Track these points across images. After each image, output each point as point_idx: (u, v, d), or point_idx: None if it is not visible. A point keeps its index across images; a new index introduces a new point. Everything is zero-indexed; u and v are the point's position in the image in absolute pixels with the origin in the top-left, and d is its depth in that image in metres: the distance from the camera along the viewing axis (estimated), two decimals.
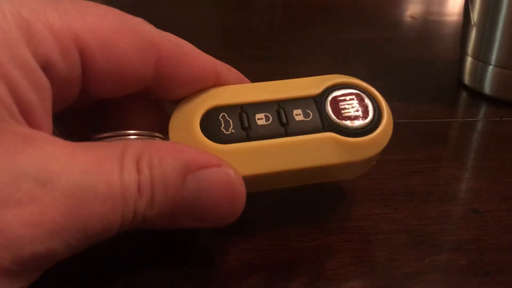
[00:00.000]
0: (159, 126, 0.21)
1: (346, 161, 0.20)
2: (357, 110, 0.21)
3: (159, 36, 0.19)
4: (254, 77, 0.22)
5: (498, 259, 0.20)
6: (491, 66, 0.35)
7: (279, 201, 0.24)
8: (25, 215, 0.14)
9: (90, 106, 0.21)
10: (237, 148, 0.19)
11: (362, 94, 0.21)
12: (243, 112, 0.20)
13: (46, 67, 0.16)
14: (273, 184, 0.21)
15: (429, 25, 0.58)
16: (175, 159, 0.17)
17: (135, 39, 0.18)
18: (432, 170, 0.27)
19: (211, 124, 0.20)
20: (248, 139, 0.20)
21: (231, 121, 0.20)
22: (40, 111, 0.16)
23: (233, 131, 0.20)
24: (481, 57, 0.36)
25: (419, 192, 0.25)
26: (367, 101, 0.21)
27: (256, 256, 0.20)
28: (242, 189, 0.18)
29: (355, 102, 0.21)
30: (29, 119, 0.15)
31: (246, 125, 0.20)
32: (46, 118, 0.16)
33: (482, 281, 0.19)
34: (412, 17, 0.60)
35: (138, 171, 0.16)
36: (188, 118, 0.20)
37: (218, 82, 0.21)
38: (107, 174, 0.15)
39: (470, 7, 0.36)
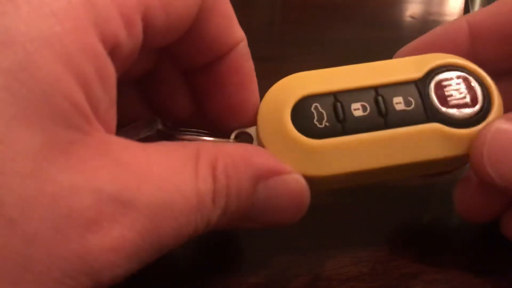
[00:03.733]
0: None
1: (453, 155, 0.18)
2: (465, 97, 0.19)
3: None
4: None
5: (498, 259, 0.20)
6: None
7: None
8: (107, 241, 0.13)
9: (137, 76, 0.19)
10: (333, 143, 0.18)
11: (470, 77, 0.19)
12: (337, 102, 0.18)
13: (112, 50, 0.14)
14: (366, 180, 0.19)
15: (429, 25, 0.58)
16: (247, 166, 0.16)
17: None
18: None
19: (303, 116, 0.18)
20: (344, 132, 0.18)
21: (324, 113, 0.18)
22: (106, 103, 0.15)
23: (327, 124, 0.18)
24: None
25: (419, 192, 0.25)
26: (475, 85, 0.19)
27: (256, 256, 0.20)
28: (308, 195, 0.18)
29: (462, 87, 0.19)
30: (97, 115, 0.14)
31: (342, 117, 0.18)
32: (111, 110, 0.15)
33: (482, 281, 0.19)
34: (412, 17, 0.60)
35: (214, 180, 0.15)
36: (278, 110, 0.18)
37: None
38: (182, 185, 0.15)
39: (470, 7, 0.36)
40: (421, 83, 0.19)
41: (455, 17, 0.59)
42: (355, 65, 0.19)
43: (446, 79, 0.19)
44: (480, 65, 0.20)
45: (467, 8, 0.36)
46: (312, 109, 0.18)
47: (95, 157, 0.13)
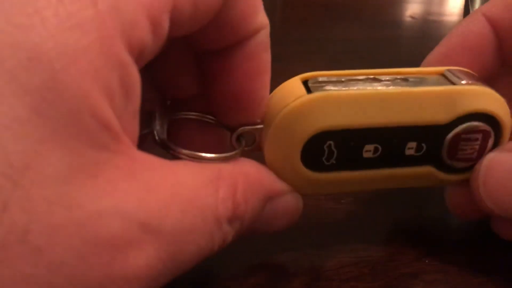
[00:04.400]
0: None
1: (435, 185, 0.20)
2: (473, 153, 0.18)
3: None
4: None
5: (498, 259, 0.20)
6: None
7: None
8: (131, 269, 0.13)
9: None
10: (335, 176, 0.18)
11: (491, 132, 0.18)
12: (351, 142, 0.17)
13: (138, 57, 0.14)
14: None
15: (429, 25, 0.58)
16: (261, 188, 0.17)
17: None
18: None
19: (313, 152, 0.17)
20: (349, 169, 0.18)
21: (335, 152, 0.18)
22: (129, 114, 0.14)
23: (335, 162, 0.18)
24: None
25: (419, 192, 0.25)
26: (490, 141, 0.18)
27: (256, 256, 0.20)
28: (302, 206, 0.19)
29: (477, 143, 0.18)
30: (121, 126, 0.14)
31: (352, 157, 0.18)
32: (135, 119, 0.14)
33: (482, 281, 0.19)
34: (412, 17, 0.60)
35: (234, 205, 0.16)
36: (289, 139, 0.17)
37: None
38: (205, 209, 0.15)
39: (470, 7, 0.36)
40: (443, 130, 0.18)
41: (455, 17, 0.59)
42: (384, 89, 0.18)
43: (468, 131, 0.18)
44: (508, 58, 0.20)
45: (467, 8, 0.36)
46: (325, 146, 0.17)
47: (123, 179, 0.13)
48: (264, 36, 0.18)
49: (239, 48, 0.18)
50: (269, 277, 0.19)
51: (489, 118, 0.18)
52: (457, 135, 0.18)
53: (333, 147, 0.17)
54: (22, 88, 0.12)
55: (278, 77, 0.22)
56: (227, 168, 0.16)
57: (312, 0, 0.65)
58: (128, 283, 0.13)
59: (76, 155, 0.12)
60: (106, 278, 0.13)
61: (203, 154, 0.17)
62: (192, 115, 0.19)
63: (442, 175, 0.19)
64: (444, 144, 0.18)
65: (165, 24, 0.14)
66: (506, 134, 0.19)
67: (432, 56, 0.23)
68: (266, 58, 0.18)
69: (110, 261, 0.13)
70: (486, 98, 0.18)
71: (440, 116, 0.18)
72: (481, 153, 0.19)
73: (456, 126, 0.18)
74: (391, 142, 0.18)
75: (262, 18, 0.18)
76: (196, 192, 0.15)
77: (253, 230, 0.18)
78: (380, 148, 0.18)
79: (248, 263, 0.20)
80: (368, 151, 0.18)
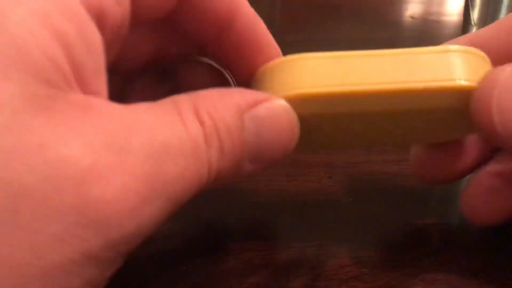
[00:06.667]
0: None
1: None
2: None
3: None
4: None
5: (498, 259, 0.20)
6: None
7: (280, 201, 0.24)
8: (109, 191, 0.12)
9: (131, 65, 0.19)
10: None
11: None
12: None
13: (99, 17, 0.14)
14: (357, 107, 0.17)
15: (429, 25, 0.58)
16: (227, 103, 0.16)
17: None
18: None
19: None
20: None
21: None
22: (91, 70, 0.14)
23: None
24: None
25: (419, 192, 0.25)
26: None
27: (257, 256, 0.20)
28: (295, 118, 0.17)
29: None
30: (81, 83, 0.13)
31: None
32: (98, 79, 0.14)
33: (482, 281, 0.19)
34: (412, 17, 0.60)
35: (201, 122, 0.15)
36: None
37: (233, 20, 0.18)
38: (173, 129, 0.14)
39: (470, 7, 0.36)
40: None
41: (455, 17, 0.59)
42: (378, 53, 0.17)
43: None
44: None
45: (467, 8, 0.36)
46: None
47: (78, 111, 0.13)
48: (246, 12, 0.18)
49: (232, 29, 0.18)
50: (269, 277, 0.19)
51: None
52: None
53: None
54: None
55: None
56: (182, 96, 0.16)
57: (312, 1, 0.64)
58: (107, 205, 0.12)
59: (27, 87, 0.12)
60: (81, 201, 0.12)
61: None
62: (205, 60, 0.19)
63: None
64: None
65: None
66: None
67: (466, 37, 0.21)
68: (260, 28, 0.18)
69: (80, 183, 0.12)
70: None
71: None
72: None
73: None
74: None
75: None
76: (159, 120, 0.14)
77: (248, 155, 0.16)
78: None
79: (248, 263, 0.20)
80: None
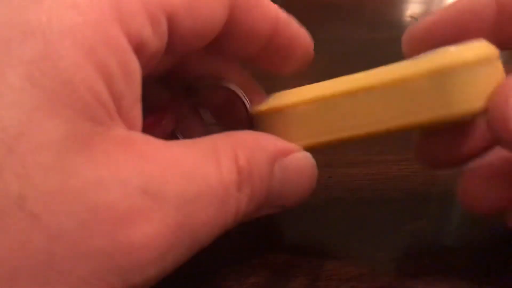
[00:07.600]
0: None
1: None
2: None
3: None
4: (255, 78, 0.22)
5: (498, 260, 0.20)
6: None
7: None
8: (137, 237, 0.12)
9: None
10: None
11: None
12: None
13: (138, 47, 0.14)
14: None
15: None
16: (263, 151, 0.16)
17: None
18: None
19: None
20: None
21: None
22: (129, 99, 0.14)
23: None
24: None
25: (419, 192, 0.25)
26: None
27: (257, 256, 0.20)
28: (316, 168, 0.18)
29: None
30: (120, 113, 0.14)
31: None
32: (135, 108, 0.15)
33: (482, 281, 0.19)
34: (412, 17, 0.60)
35: (238, 170, 0.15)
36: None
37: (277, 34, 0.19)
38: (208, 176, 0.14)
39: None
40: None
41: None
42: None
43: None
44: (503, 43, 0.18)
45: None
46: None
47: (119, 150, 0.13)
48: (281, 19, 0.19)
49: (271, 43, 0.18)
50: (269, 277, 0.19)
51: None
52: None
53: None
54: (16, 59, 0.12)
55: (279, 77, 0.22)
56: (222, 138, 0.16)
57: (312, 0, 0.64)
58: (136, 252, 0.12)
59: (71, 125, 0.12)
60: (111, 246, 0.12)
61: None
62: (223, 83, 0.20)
63: None
64: None
65: (163, 23, 0.14)
66: None
67: (418, 28, 0.22)
68: (295, 30, 0.20)
69: (113, 228, 0.12)
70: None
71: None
72: None
73: None
74: None
75: (271, 9, 0.18)
76: (197, 163, 0.14)
77: (274, 198, 0.17)
78: None
79: (248, 263, 0.20)
80: None
